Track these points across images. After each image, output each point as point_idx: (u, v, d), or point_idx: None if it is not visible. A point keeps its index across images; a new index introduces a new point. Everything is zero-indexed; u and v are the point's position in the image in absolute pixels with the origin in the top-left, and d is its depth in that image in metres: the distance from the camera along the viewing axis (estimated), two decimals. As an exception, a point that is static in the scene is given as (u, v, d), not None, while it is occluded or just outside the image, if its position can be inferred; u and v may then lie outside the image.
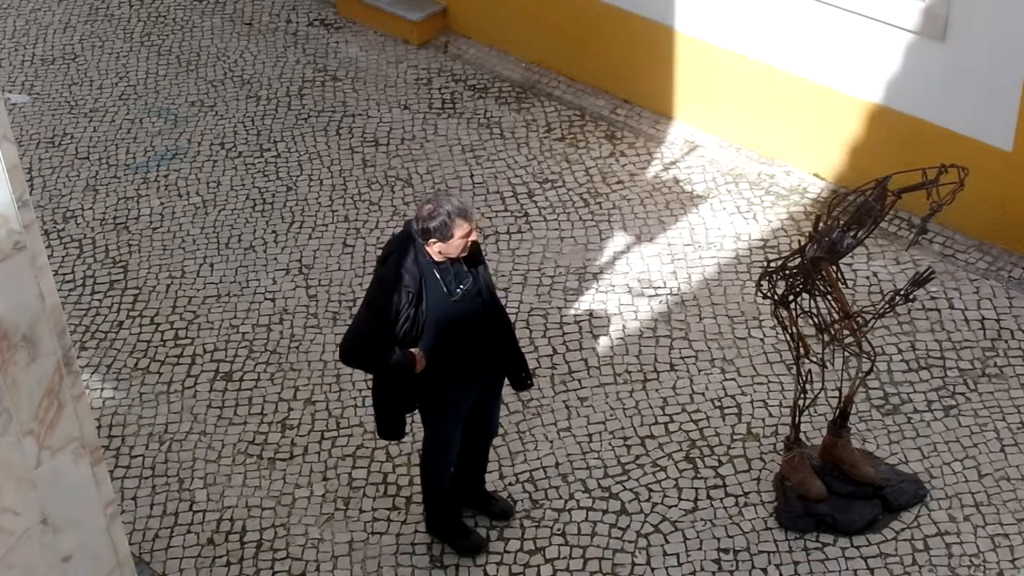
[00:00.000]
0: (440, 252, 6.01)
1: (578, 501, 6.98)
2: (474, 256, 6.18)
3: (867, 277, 8.18)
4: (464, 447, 6.60)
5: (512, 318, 8.02)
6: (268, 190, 9.21)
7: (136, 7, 11.32)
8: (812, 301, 6.44)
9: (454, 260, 6.09)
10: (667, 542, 6.78)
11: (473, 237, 6.05)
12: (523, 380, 6.52)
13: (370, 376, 7.69)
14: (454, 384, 6.28)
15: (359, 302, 8.20)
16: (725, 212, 8.74)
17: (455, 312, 6.12)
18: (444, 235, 5.94)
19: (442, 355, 6.17)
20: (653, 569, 6.66)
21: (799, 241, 7.02)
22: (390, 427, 6.45)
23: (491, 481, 7.10)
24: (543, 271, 8.38)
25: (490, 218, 8.81)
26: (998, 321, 7.85)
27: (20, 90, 10.39)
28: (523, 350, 7.76)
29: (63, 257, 8.72)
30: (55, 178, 9.44)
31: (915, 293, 6.48)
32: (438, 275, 6.04)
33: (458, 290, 6.10)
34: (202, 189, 9.25)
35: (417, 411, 6.49)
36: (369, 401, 7.59)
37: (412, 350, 6.11)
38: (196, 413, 7.61)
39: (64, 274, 8.56)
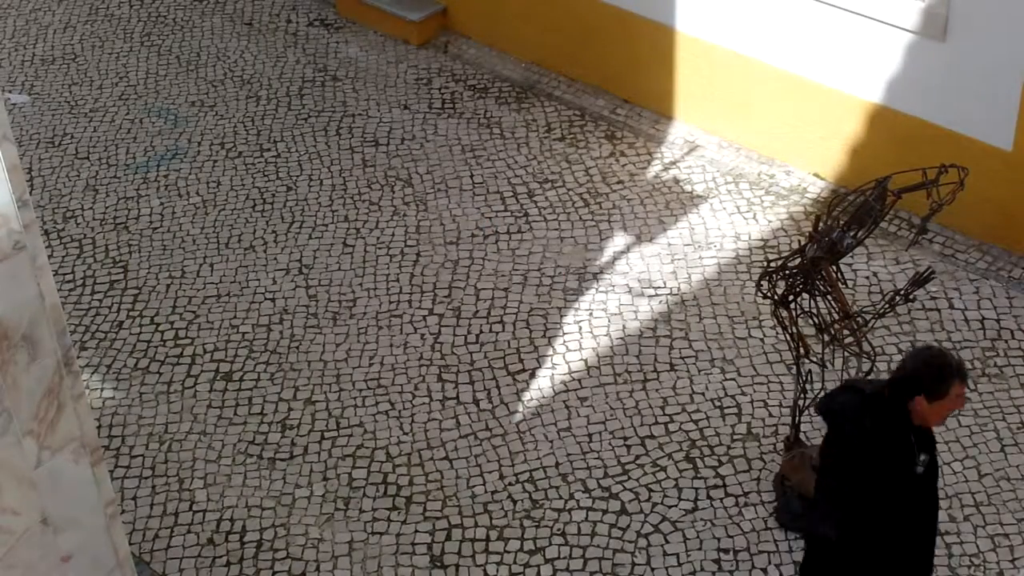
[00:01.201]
0: (921, 412, 5.14)
1: (578, 501, 6.98)
2: (930, 433, 5.37)
3: (867, 277, 8.17)
4: None
5: (512, 318, 8.04)
6: (268, 190, 9.20)
7: (136, 7, 11.32)
8: (812, 301, 6.44)
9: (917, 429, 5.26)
10: (667, 542, 6.77)
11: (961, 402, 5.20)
12: None
13: (367, 379, 7.74)
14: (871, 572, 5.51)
15: (359, 302, 8.23)
16: (725, 212, 8.74)
17: (912, 488, 5.31)
18: (938, 392, 5.05)
19: (881, 534, 5.39)
20: (653, 569, 6.66)
21: (799, 241, 7.02)
22: None
23: (491, 481, 7.11)
24: (543, 271, 8.38)
25: (490, 218, 8.81)
26: (998, 321, 7.85)
27: (20, 90, 10.39)
28: (523, 350, 7.83)
29: (63, 257, 8.72)
30: (55, 178, 9.44)
31: (915, 293, 6.47)
32: (913, 439, 5.19)
33: (921, 458, 5.25)
34: (202, 189, 9.25)
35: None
36: (369, 400, 7.60)
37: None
38: (196, 413, 7.61)
39: (64, 274, 8.56)
